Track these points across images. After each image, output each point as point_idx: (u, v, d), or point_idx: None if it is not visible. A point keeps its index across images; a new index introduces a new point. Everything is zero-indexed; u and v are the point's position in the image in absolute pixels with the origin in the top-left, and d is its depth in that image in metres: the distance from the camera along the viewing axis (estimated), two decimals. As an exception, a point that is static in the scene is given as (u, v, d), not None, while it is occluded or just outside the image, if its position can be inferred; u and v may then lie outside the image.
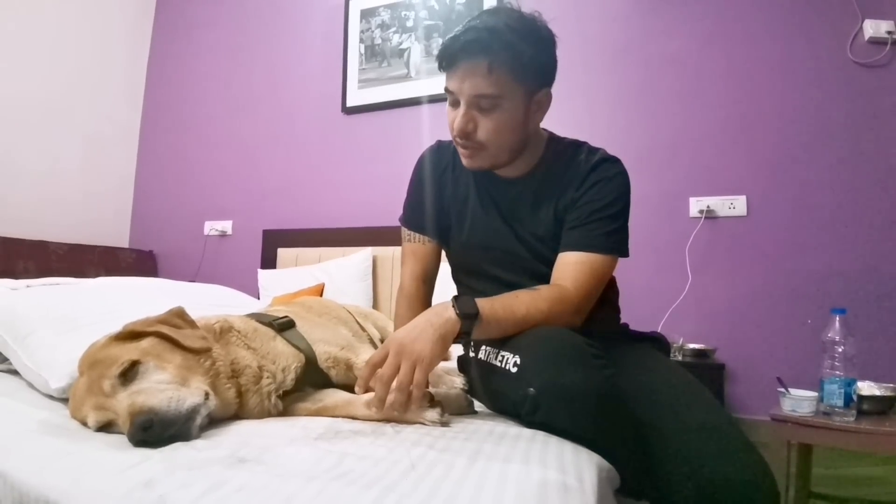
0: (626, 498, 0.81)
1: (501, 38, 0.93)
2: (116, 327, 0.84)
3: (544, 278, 1.01)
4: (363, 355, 0.98)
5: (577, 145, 1.11)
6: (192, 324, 0.89)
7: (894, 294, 1.92)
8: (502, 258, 1.10)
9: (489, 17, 0.96)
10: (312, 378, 0.96)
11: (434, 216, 1.16)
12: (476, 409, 0.94)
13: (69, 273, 2.45)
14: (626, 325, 1.19)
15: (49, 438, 0.73)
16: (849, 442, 1.34)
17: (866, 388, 1.44)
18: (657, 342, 1.16)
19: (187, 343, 0.81)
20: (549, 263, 1.03)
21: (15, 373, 1.09)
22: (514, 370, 0.81)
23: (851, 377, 1.34)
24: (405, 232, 1.21)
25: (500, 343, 0.88)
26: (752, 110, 2.18)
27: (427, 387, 0.83)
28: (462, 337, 0.87)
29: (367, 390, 0.85)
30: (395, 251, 2.53)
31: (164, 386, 0.74)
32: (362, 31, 2.93)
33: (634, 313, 1.33)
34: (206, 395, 0.76)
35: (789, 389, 1.43)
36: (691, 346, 2.02)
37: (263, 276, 2.75)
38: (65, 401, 0.88)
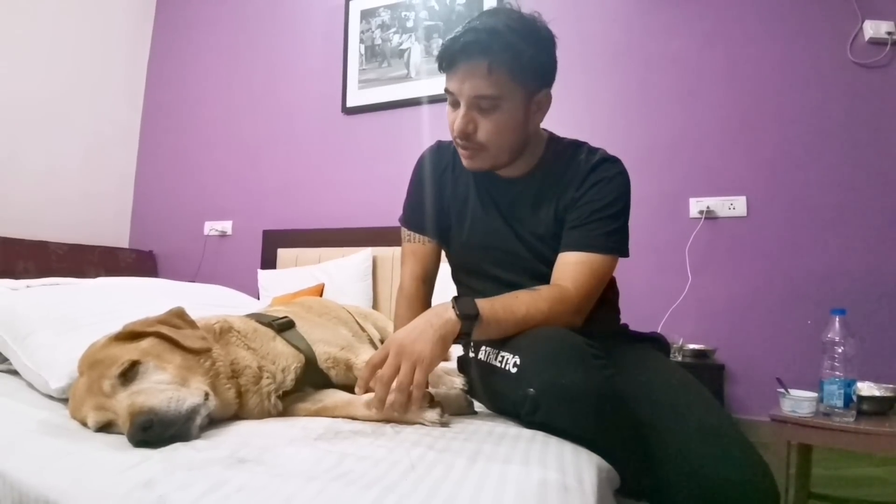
0: (625, 498, 0.81)
1: (501, 39, 0.93)
2: (116, 327, 0.84)
3: (544, 278, 1.01)
4: (363, 356, 0.98)
5: (577, 145, 1.11)
6: (191, 324, 0.89)
7: (894, 294, 1.92)
8: (502, 258, 1.10)
9: (489, 18, 0.96)
10: (312, 378, 0.96)
11: (434, 216, 1.16)
12: (476, 409, 0.94)
13: (69, 273, 2.45)
14: (625, 326, 1.19)
15: (49, 438, 0.73)
16: (848, 442, 1.34)
17: (866, 388, 1.44)
18: (657, 342, 1.16)
19: (187, 343, 0.81)
20: (550, 263, 1.03)
21: (15, 373, 1.09)
22: (513, 370, 0.81)
23: (851, 378, 1.34)
24: (405, 232, 1.21)
25: (500, 343, 0.88)
26: (752, 111, 2.18)
27: (427, 387, 0.83)
28: (462, 337, 0.87)
29: (367, 391, 0.85)
30: (395, 251, 2.53)
31: (164, 386, 0.74)
32: (362, 32, 2.93)
33: (634, 313, 1.33)
34: (206, 395, 0.76)
35: (789, 390, 1.43)
36: (691, 346, 2.02)
37: (263, 276, 2.75)
38: (65, 401, 0.88)
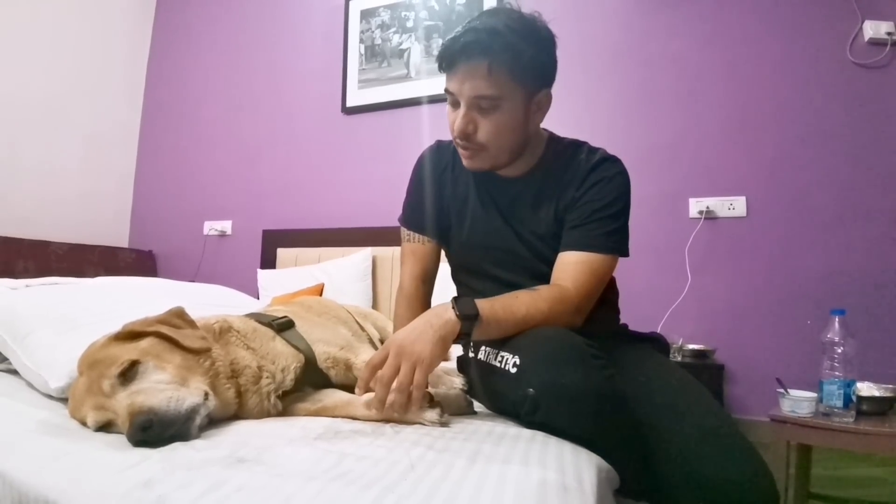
0: (625, 498, 0.81)
1: (501, 39, 0.93)
2: (116, 327, 0.84)
3: (545, 278, 1.01)
4: (362, 355, 0.98)
5: (577, 145, 1.11)
6: (191, 324, 0.88)
7: (894, 295, 1.92)
8: (502, 258, 1.10)
9: (489, 18, 0.96)
10: (312, 378, 0.96)
11: (434, 216, 1.16)
12: (475, 409, 0.94)
13: (69, 273, 2.45)
14: (625, 326, 1.19)
15: (48, 438, 0.73)
16: (848, 443, 1.34)
17: (865, 388, 1.44)
18: (657, 343, 1.16)
19: (187, 343, 0.81)
20: (550, 263, 1.03)
21: (14, 372, 1.09)
22: (513, 370, 0.81)
23: (851, 378, 1.34)
24: (405, 232, 1.21)
25: (500, 343, 0.88)
26: (752, 111, 2.18)
27: (427, 387, 0.83)
28: (462, 338, 0.87)
29: (367, 391, 0.85)
30: (394, 251, 2.53)
31: (164, 386, 0.74)
32: (362, 32, 2.93)
33: (634, 314, 1.33)
34: (206, 395, 0.76)
35: (789, 390, 1.44)
36: (691, 346, 2.02)
37: (263, 276, 2.75)
38: (64, 400, 0.88)
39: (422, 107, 2.71)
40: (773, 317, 2.07)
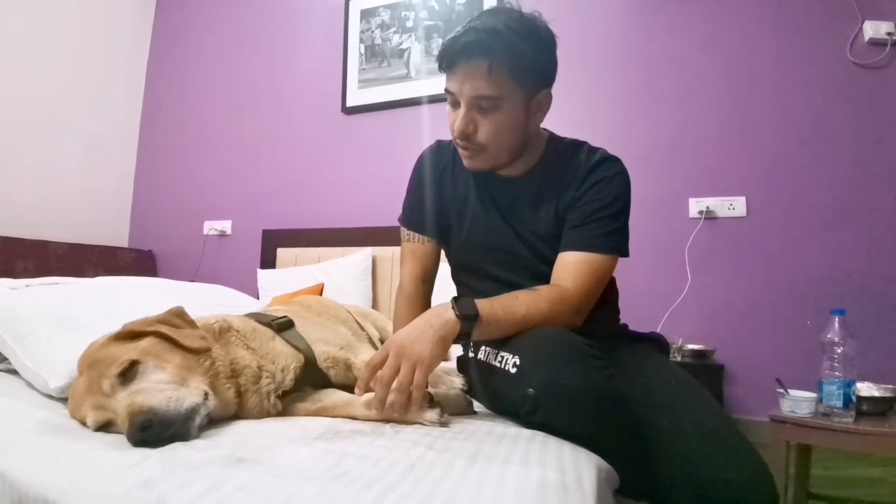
0: (625, 498, 0.81)
1: (502, 40, 0.92)
2: (116, 327, 0.84)
3: (545, 278, 1.01)
4: (362, 355, 0.98)
5: (578, 145, 1.11)
6: (191, 323, 0.88)
7: (894, 295, 1.92)
8: (502, 257, 1.10)
9: (489, 18, 0.96)
10: (312, 378, 0.96)
11: (434, 216, 1.16)
12: (475, 409, 0.94)
13: (68, 272, 2.45)
14: (625, 326, 1.19)
15: (48, 438, 0.73)
16: (848, 443, 1.34)
17: (865, 389, 1.44)
18: (656, 343, 1.16)
19: (187, 343, 0.81)
20: (550, 263, 1.03)
21: (14, 372, 1.09)
22: (513, 371, 0.81)
23: (850, 378, 1.34)
24: (404, 232, 1.21)
25: (500, 343, 0.88)
26: (752, 111, 2.18)
27: (426, 387, 0.83)
28: (462, 338, 0.87)
29: (367, 391, 0.85)
30: (394, 251, 2.54)
31: (164, 386, 0.74)
32: (362, 31, 2.93)
33: (634, 314, 1.33)
34: (206, 394, 0.76)
35: (788, 390, 1.43)
36: (690, 346, 2.02)
37: (263, 275, 2.75)
38: (64, 400, 0.88)
39: (422, 107, 2.71)
40: (772, 317, 2.07)
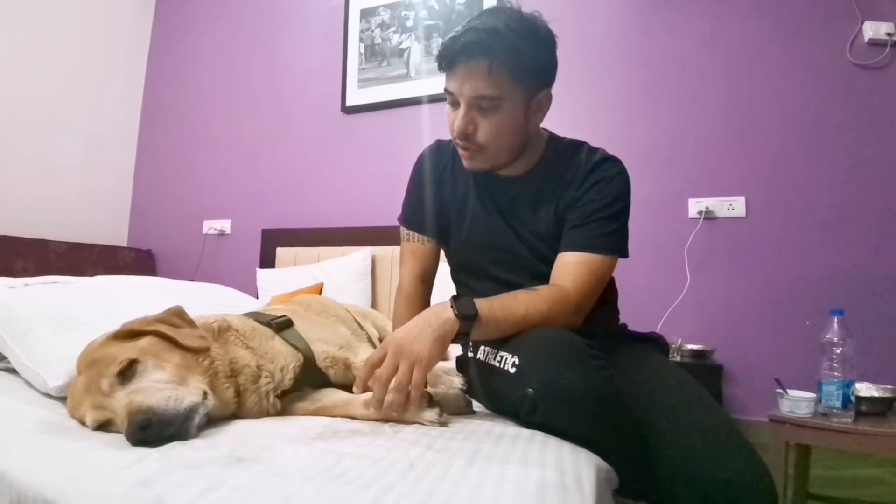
0: (624, 499, 0.81)
1: (501, 39, 0.92)
2: (115, 326, 0.84)
3: (544, 278, 1.01)
4: (361, 355, 0.98)
5: (577, 145, 1.11)
6: (190, 323, 0.88)
7: (893, 295, 1.92)
8: (502, 257, 1.09)
9: (489, 18, 0.96)
10: (311, 377, 0.96)
11: (433, 215, 1.16)
12: (475, 409, 0.94)
13: (68, 272, 2.45)
14: (624, 326, 1.19)
15: (47, 437, 0.72)
16: (847, 443, 1.34)
17: (864, 389, 1.44)
18: (656, 343, 1.16)
19: (186, 342, 0.81)
20: (549, 263, 1.03)
21: (13, 371, 1.09)
22: (512, 370, 0.81)
23: (850, 378, 1.34)
24: (404, 231, 1.21)
25: (499, 343, 0.88)
26: (752, 111, 2.18)
27: (425, 387, 0.83)
28: (461, 337, 0.87)
29: (365, 390, 0.85)
30: (394, 251, 2.53)
31: (163, 385, 0.73)
32: (362, 31, 2.93)
33: (633, 314, 1.33)
34: (205, 394, 0.76)
35: (787, 390, 1.44)
36: (690, 346, 2.02)
37: (262, 275, 2.75)
38: (63, 399, 0.88)
39: (421, 106, 2.71)
40: (771, 317, 2.07)
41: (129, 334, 0.81)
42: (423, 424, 0.81)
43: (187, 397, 0.72)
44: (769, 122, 2.15)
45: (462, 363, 1.02)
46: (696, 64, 2.28)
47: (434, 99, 2.64)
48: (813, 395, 1.41)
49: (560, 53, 1.01)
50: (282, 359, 0.91)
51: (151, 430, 0.67)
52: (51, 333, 1.03)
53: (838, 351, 1.35)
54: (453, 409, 0.90)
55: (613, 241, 1.01)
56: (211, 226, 3.21)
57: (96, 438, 0.71)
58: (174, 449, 0.66)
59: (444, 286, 1.22)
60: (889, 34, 1.99)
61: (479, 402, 0.96)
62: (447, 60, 0.97)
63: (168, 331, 0.81)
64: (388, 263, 2.60)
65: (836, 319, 1.38)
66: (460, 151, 1.05)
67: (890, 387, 1.45)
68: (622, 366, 0.94)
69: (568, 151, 1.09)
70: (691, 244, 2.19)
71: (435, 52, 1.17)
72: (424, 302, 1.17)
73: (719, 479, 0.75)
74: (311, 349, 0.97)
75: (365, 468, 0.61)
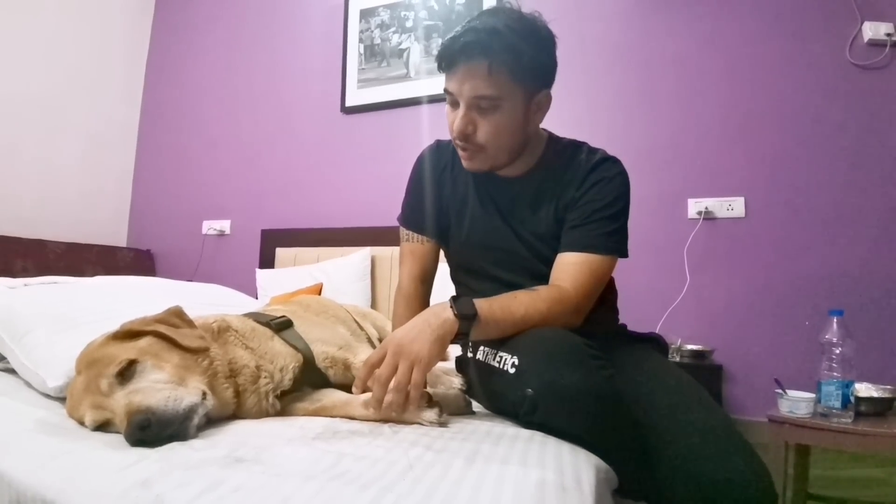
0: (624, 499, 0.81)
1: (501, 40, 0.92)
2: (114, 326, 0.84)
3: (544, 278, 1.01)
4: (361, 355, 0.98)
5: (577, 145, 1.11)
6: (189, 323, 0.88)
7: (892, 295, 1.92)
8: (502, 258, 1.09)
9: (489, 18, 0.96)
10: (310, 378, 0.96)
11: (433, 216, 1.16)
12: (474, 409, 0.94)
13: (67, 272, 2.45)
14: (624, 326, 1.19)
15: (46, 437, 0.72)
16: (846, 443, 1.34)
17: (864, 389, 1.44)
18: (655, 343, 1.16)
19: (185, 342, 0.81)
20: (549, 263, 1.03)
21: (12, 371, 1.09)
22: (512, 371, 0.81)
23: (849, 378, 1.34)
24: (404, 232, 1.21)
25: (499, 343, 0.88)
26: (752, 112, 2.18)
27: (425, 387, 0.83)
28: (460, 337, 0.87)
29: (364, 390, 0.85)
30: (393, 251, 2.53)
31: (162, 385, 0.73)
32: (362, 31, 2.93)
33: (632, 314, 1.33)
34: (204, 394, 0.76)
35: (787, 391, 1.44)
36: (689, 347, 2.02)
37: (261, 275, 2.75)
38: (62, 399, 0.88)
39: (421, 107, 2.71)
40: (771, 317, 2.07)
41: (128, 334, 0.81)
42: (423, 425, 0.81)
43: (186, 397, 0.72)
44: (769, 122, 2.15)
45: (461, 363, 1.02)
46: (696, 64, 2.28)
47: (434, 99, 2.64)
48: (812, 395, 1.41)
49: (560, 53, 1.01)
50: (281, 359, 0.91)
51: (150, 430, 0.67)
52: (50, 334, 1.04)
53: (838, 351, 1.35)
54: (453, 410, 0.90)
55: (613, 242, 1.01)
56: (210, 226, 3.21)
57: (95, 439, 0.71)
58: (173, 449, 0.66)
59: (444, 286, 1.22)
60: (888, 34, 1.99)
61: (478, 402, 0.96)
62: (447, 60, 0.97)
63: (167, 331, 0.81)
64: (388, 264, 2.60)
65: (835, 320, 1.38)
66: (460, 152, 1.05)
67: (889, 387, 1.45)
68: (622, 366, 0.94)
69: (567, 152, 1.09)
70: (691, 244, 2.19)
71: (434, 52, 1.17)
72: (424, 302, 1.17)
73: (719, 479, 0.75)
74: (310, 349, 0.97)
75: (364, 468, 0.61)
